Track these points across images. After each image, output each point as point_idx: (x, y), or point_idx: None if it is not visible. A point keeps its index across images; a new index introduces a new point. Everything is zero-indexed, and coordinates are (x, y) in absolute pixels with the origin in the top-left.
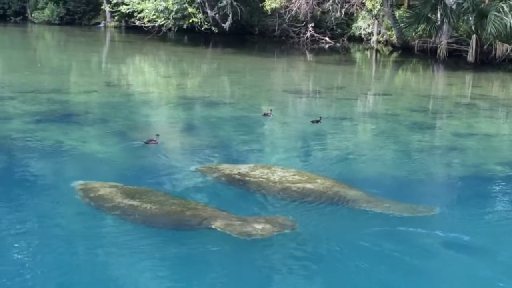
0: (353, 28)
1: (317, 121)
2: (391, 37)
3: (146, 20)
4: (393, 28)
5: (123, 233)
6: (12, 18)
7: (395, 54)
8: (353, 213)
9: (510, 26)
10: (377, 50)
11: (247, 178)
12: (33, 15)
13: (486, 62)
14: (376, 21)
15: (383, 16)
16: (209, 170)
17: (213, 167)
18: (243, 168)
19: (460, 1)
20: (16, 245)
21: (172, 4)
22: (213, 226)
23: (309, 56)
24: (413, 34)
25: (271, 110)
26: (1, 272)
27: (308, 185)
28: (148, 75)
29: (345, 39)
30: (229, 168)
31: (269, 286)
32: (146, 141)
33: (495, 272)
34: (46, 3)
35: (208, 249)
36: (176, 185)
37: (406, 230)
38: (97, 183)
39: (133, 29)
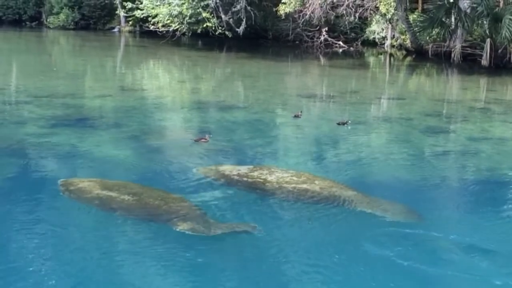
0: (367, 32)
1: (344, 123)
2: (405, 41)
3: (160, 24)
4: (407, 32)
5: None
6: (27, 23)
7: (409, 58)
8: (348, 213)
9: None
10: (391, 54)
11: (245, 179)
12: (48, 20)
13: (500, 66)
14: (390, 25)
15: (397, 20)
16: (209, 171)
17: (214, 168)
18: (243, 169)
19: (474, 5)
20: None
21: (186, 9)
22: (178, 228)
23: (323, 60)
24: (427, 38)
25: (301, 111)
26: None
27: (305, 186)
28: (162, 80)
29: (359, 43)
30: (229, 169)
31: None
32: (196, 139)
33: (501, 276)
34: (61, 8)
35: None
36: (175, 184)
37: (406, 232)
38: (76, 179)
39: (147, 34)
